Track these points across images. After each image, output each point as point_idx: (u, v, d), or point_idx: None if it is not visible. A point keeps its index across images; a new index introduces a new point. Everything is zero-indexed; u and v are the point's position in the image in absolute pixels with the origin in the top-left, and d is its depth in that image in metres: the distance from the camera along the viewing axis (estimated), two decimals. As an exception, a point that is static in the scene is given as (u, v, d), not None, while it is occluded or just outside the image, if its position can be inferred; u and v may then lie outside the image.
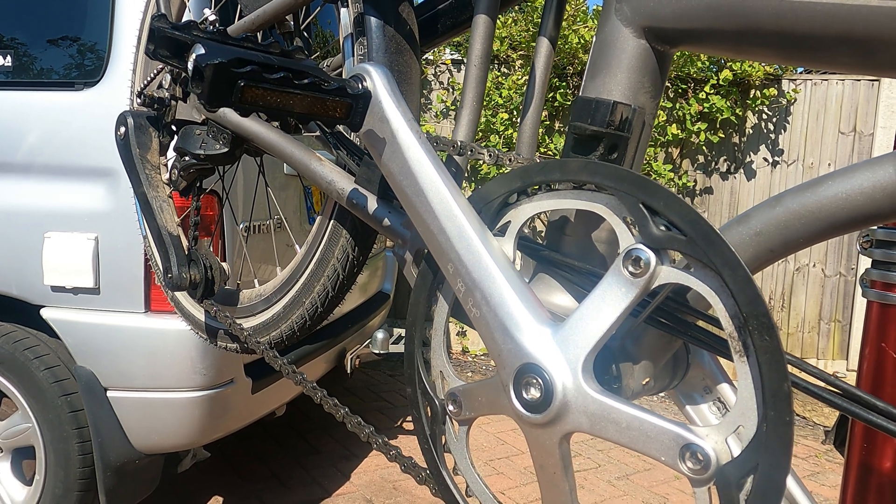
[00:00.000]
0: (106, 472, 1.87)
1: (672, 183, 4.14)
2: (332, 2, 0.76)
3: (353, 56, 0.74)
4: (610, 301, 0.46)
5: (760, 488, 0.39)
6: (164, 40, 0.53)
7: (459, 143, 0.63)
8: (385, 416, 3.22)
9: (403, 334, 2.88)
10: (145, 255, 1.79)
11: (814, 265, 4.16)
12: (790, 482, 0.56)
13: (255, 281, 0.96)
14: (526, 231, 0.60)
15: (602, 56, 0.53)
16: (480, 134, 4.21)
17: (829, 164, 4.10)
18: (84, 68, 1.95)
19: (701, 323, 0.48)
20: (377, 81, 0.56)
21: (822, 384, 0.42)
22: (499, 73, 4.36)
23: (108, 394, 1.85)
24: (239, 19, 0.78)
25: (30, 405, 1.91)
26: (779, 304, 4.20)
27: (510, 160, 0.58)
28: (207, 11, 0.78)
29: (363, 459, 2.76)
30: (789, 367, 0.42)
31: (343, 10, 0.75)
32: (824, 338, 4.19)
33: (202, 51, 0.46)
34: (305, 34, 0.85)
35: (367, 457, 2.78)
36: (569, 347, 0.47)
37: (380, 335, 2.85)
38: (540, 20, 0.69)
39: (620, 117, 0.50)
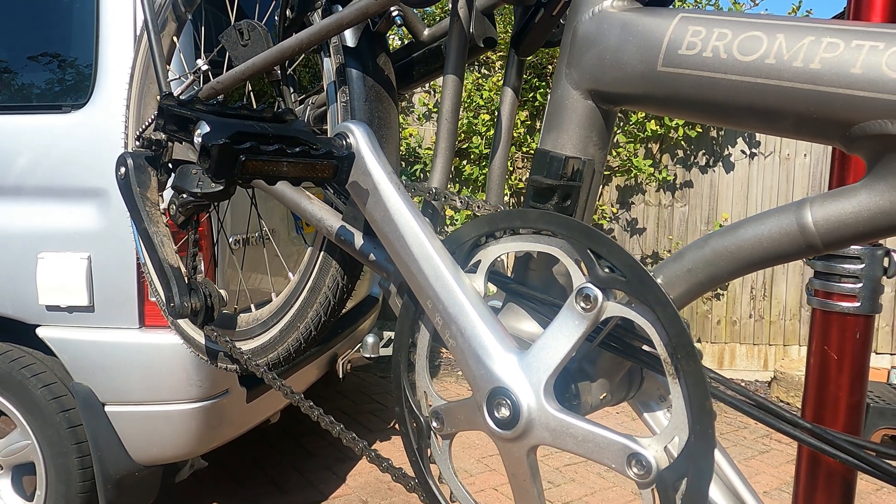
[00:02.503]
0: (106, 485, 1.92)
1: (653, 177, 4.24)
2: (315, 53, 0.83)
3: (337, 102, 0.81)
4: (566, 332, 0.53)
5: (691, 489, 0.47)
6: (172, 117, 0.60)
7: (434, 190, 0.71)
8: (377, 418, 3.29)
9: (393, 338, 2.91)
10: (138, 271, 1.84)
11: (792, 254, 4.27)
12: (730, 472, 0.65)
13: (252, 306, 1.03)
14: (500, 260, 0.67)
15: (556, 113, 0.60)
16: (463, 136, 4.29)
17: (805, 155, 4.22)
18: (71, 91, 2.00)
19: (645, 346, 0.56)
20: (360, 139, 0.63)
21: (741, 397, 0.50)
22: (479, 75, 4.44)
23: (106, 408, 1.90)
24: (227, 70, 0.84)
25: (28, 422, 1.95)
26: (760, 293, 4.31)
27: (478, 207, 0.65)
28: (200, 61, 0.84)
29: (358, 462, 2.83)
30: (717, 383, 0.50)
31: (326, 60, 0.82)
32: (805, 325, 4.30)
33: (206, 129, 0.53)
34: (292, 75, 0.92)
35: (362, 459, 2.85)
36: (532, 372, 0.55)
37: (370, 339, 2.91)
38: (504, 70, 0.76)
39: (572, 169, 0.58)
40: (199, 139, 0.53)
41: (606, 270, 0.52)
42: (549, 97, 0.61)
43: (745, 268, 0.50)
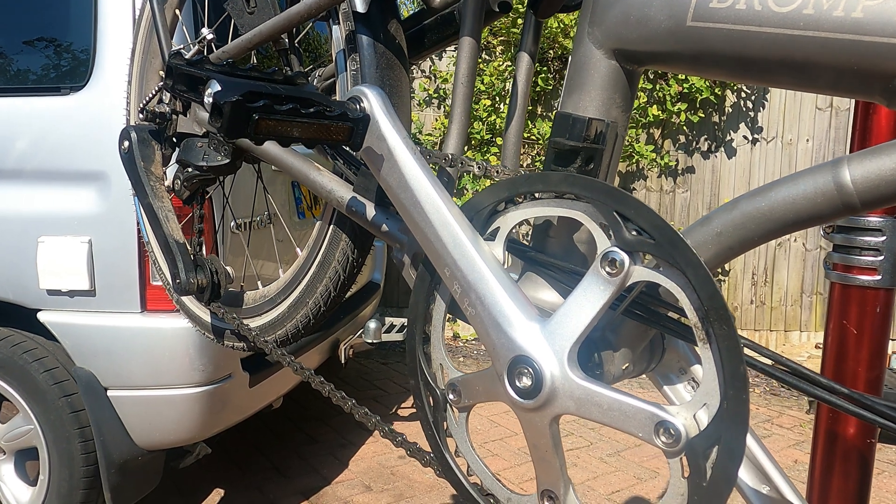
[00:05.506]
0: (110, 469, 1.91)
1: (655, 163, 4.21)
2: (324, 20, 0.81)
3: (347, 71, 0.79)
4: (590, 298, 0.52)
5: (723, 457, 0.46)
6: (181, 76, 0.58)
7: (450, 156, 0.69)
8: (379, 404, 3.29)
9: (395, 323, 2.92)
10: (139, 255, 1.83)
11: (794, 240, 4.26)
12: (755, 448, 0.63)
13: (259, 283, 1.01)
14: (515, 231, 0.66)
15: (577, 75, 0.58)
16: (463, 122, 4.25)
17: (808, 140, 4.19)
18: (70, 73, 1.97)
19: (671, 314, 0.54)
20: (374, 103, 0.61)
21: (774, 363, 0.49)
22: (480, 60, 4.40)
23: (109, 393, 1.89)
24: (234, 39, 0.82)
25: (31, 407, 1.94)
26: (762, 279, 4.31)
27: (497, 172, 0.64)
28: (205, 30, 0.82)
29: (360, 447, 2.83)
30: (747, 350, 0.48)
31: (335, 27, 0.80)
32: (807, 310, 4.30)
33: (218, 87, 0.51)
34: (297, 46, 0.90)
35: (364, 444, 2.85)
36: (555, 340, 0.53)
37: (372, 325, 2.90)
38: (521, 33, 0.74)
39: (595, 132, 0.56)
40: (210, 98, 0.51)
41: (633, 233, 0.50)
42: (570, 58, 0.59)
43: (777, 230, 0.48)
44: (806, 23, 0.45)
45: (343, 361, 2.70)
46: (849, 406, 0.44)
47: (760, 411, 3.45)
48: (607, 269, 0.51)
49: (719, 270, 4.29)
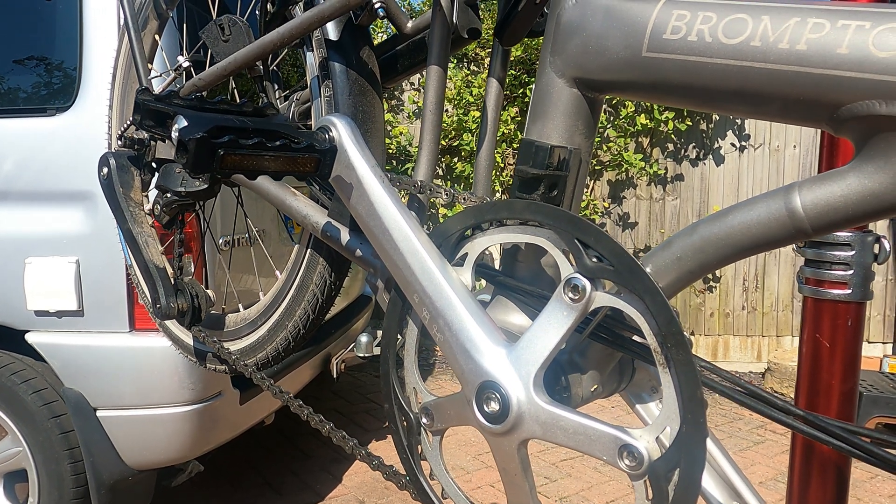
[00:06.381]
0: (100, 490, 1.90)
1: (644, 172, 4.24)
2: (297, 48, 0.82)
3: (321, 97, 0.80)
4: (554, 323, 0.53)
5: (683, 480, 0.46)
6: (149, 112, 0.59)
7: (420, 183, 0.70)
8: (372, 417, 3.28)
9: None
10: (127, 274, 1.83)
11: (784, 245, 4.28)
12: (725, 465, 0.64)
13: (240, 305, 1.02)
14: (488, 253, 0.67)
15: (540, 103, 0.59)
16: (454, 133, 4.27)
17: (795, 147, 4.23)
18: (56, 94, 1.98)
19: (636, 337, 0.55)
20: (342, 132, 0.62)
21: (732, 386, 0.50)
22: (468, 72, 4.43)
23: (98, 413, 1.89)
24: (210, 66, 0.83)
25: (19, 429, 1.93)
26: (752, 285, 4.32)
27: (464, 199, 0.65)
28: (181, 58, 0.83)
29: (354, 462, 2.82)
30: (709, 372, 0.49)
31: (309, 54, 0.81)
32: (798, 316, 4.31)
33: (184, 123, 0.52)
34: (277, 71, 0.91)
35: (358, 459, 2.84)
36: (521, 365, 0.54)
37: (363, 339, 2.89)
38: (489, 61, 0.76)
39: (558, 159, 0.57)
40: (177, 134, 0.52)
41: (594, 260, 0.51)
42: (533, 86, 0.60)
43: (734, 254, 0.50)
44: (754, 55, 0.46)
45: (335, 375, 2.70)
46: (804, 427, 0.45)
47: (754, 417, 3.46)
48: (570, 294, 0.52)
49: (710, 277, 4.31)
